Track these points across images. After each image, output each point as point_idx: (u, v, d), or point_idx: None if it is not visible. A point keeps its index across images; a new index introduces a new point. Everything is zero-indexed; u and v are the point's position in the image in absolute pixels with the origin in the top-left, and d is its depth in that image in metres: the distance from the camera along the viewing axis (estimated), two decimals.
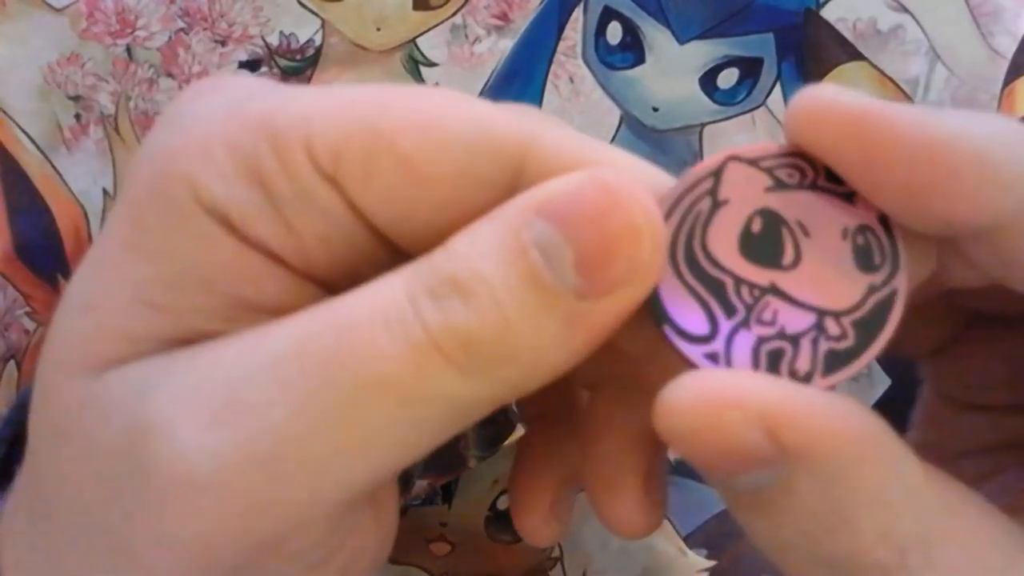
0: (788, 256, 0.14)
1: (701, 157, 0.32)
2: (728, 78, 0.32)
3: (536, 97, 0.31)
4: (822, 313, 0.14)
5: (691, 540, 0.34)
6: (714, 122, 0.32)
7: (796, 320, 0.14)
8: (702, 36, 0.31)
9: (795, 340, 0.14)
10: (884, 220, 0.14)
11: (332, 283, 0.15)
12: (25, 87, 0.30)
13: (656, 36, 0.31)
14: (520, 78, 0.31)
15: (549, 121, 0.16)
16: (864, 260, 0.14)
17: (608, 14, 0.31)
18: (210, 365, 0.14)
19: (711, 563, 0.34)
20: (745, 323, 0.14)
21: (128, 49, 0.30)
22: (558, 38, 0.31)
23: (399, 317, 0.13)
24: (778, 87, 0.32)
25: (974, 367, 0.19)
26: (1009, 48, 0.33)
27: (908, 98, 0.33)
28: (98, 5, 0.30)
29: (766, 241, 0.14)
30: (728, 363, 0.14)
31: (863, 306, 0.14)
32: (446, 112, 0.14)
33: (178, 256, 0.14)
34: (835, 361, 0.14)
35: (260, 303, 0.15)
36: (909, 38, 0.33)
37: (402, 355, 0.13)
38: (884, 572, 0.13)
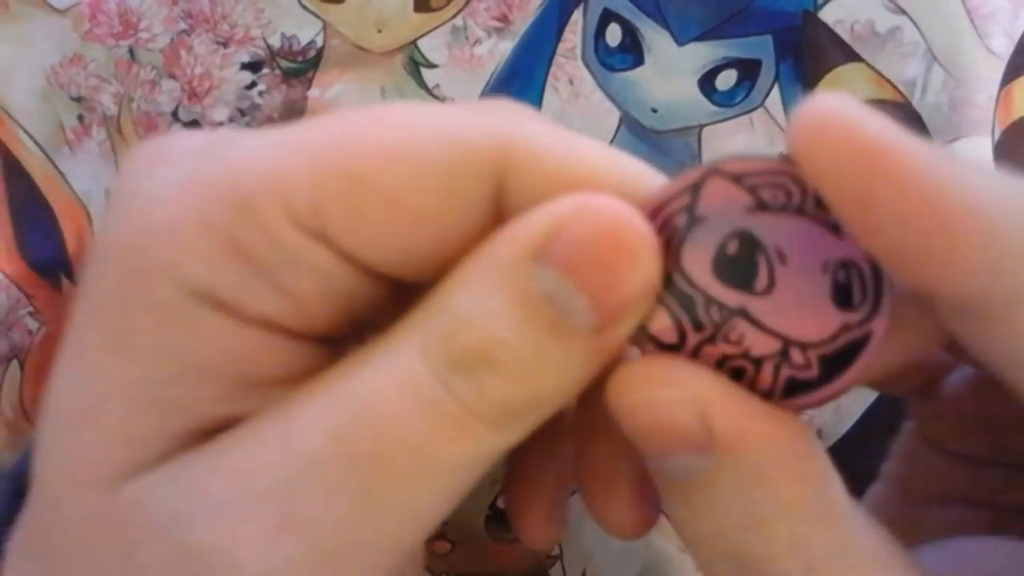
0: (761, 282, 0.13)
1: (700, 158, 0.33)
2: (727, 80, 0.32)
3: (536, 98, 0.32)
4: (788, 342, 0.13)
5: None
6: (713, 123, 0.32)
7: (761, 344, 0.13)
8: (701, 38, 0.31)
9: (758, 362, 0.14)
10: (871, 257, 0.13)
11: (335, 334, 0.15)
12: (28, 88, 0.30)
13: (655, 38, 0.31)
14: (520, 80, 0.31)
15: (522, 116, 0.15)
16: (843, 297, 0.13)
17: (607, 16, 0.31)
18: (244, 476, 0.13)
19: None
20: (711, 340, 0.14)
21: (130, 50, 0.30)
22: (558, 40, 0.31)
23: (431, 398, 0.13)
24: (776, 89, 0.32)
25: (952, 413, 0.19)
26: (1006, 49, 0.34)
27: (905, 99, 0.33)
28: (101, 7, 0.30)
29: (740, 264, 0.13)
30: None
31: (833, 343, 0.13)
32: (418, 137, 0.14)
33: (172, 350, 0.14)
34: (795, 388, 0.14)
35: (264, 377, 0.14)
36: (907, 40, 0.33)
37: (444, 434, 0.13)
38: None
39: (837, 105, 0.12)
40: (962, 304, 0.12)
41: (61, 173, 0.31)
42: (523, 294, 0.13)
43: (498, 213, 0.14)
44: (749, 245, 0.13)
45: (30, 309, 0.31)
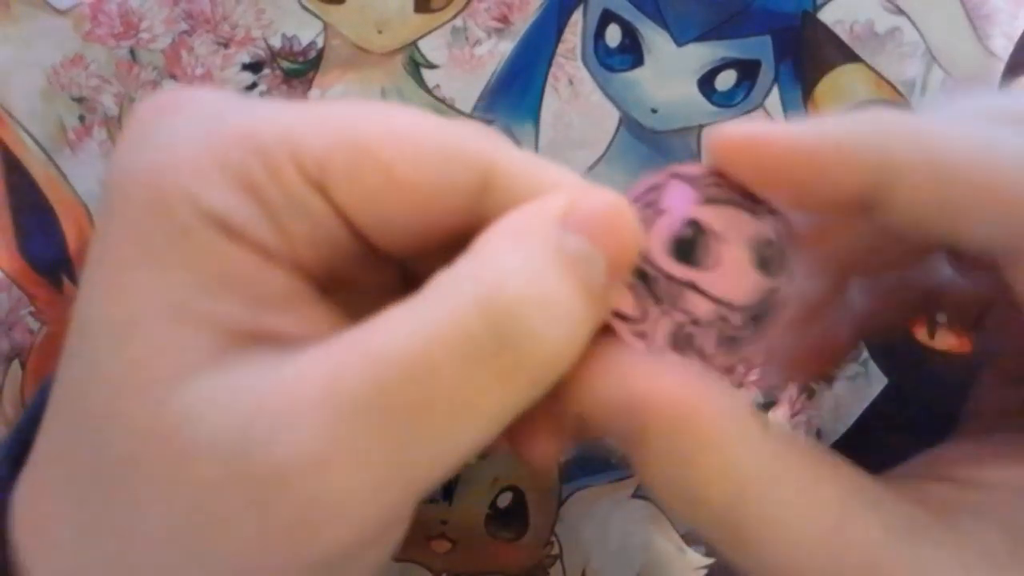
0: (707, 259, 0.16)
1: (699, 158, 0.33)
2: (726, 80, 0.32)
3: (536, 99, 0.32)
4: (727, 307, 0.17)
5: (689, 538, 0.34)
6: (712, 124, 0.32)
7: (706, 311, 0.16)
8: (700, 38, 0.31)
9: (703, 326, 0.17)
10: (786, 235, 0.17)
11: (314, 275, 0.17)
12: (29, 89, 0.30)
13: (655, 38, 0.31)
14: (520, 80, 0.31)
15: (503, 140, 0.17)
16: (764, 266, 0.17)
17: (607, 17, 0.31)
18: (297, 406, 0.14)
19: (709, 560, 0.34)
20: (668, 311, 0.16)
21: (131, 51, 0.30)
22: (557, 41, 0.31)
23: (485, 356, 0.14)
24: (776, 89, 0.32)
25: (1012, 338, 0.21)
26: (1005, 50, 0.34)
27: (905, 100, 0.33)
28: (102, 7, 0.30)
29: (691, 246, 0.16)
30: (651, 340, 0.16)
31: (760, 304, 0.17)
32: (419, 125, 0.16)
33: (195, 264, 0.15)
34: (732, 345, 0.17)
35: (273, 296, 0.16)
36: (906, 40, 0.33)
37: (490, 388, 0.14)
38: (727, 505, 0.15)
39: (729, 127, 0.16)
40: (848, 207, 0.16)
41: (62, 173, 0.31)
42: (562, 252, 0.15)
43: (480, 210, 0.16)
44: (699, 230, 0.17)
45: (31, 309, 0.31)
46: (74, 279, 0.31)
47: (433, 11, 0.31)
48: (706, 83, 0.32)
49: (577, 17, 0.31)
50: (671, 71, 0.32)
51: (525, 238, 0.15)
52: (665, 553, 0.34)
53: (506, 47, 0.31)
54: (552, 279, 0.15)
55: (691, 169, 0.17)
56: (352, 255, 0.17)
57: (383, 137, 0.16)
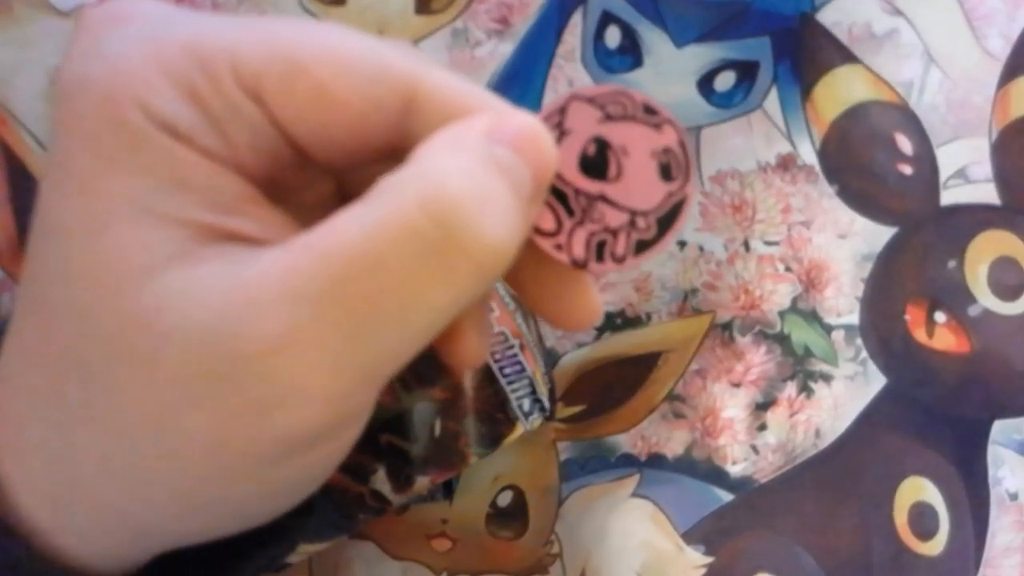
0: (613, 171, 0.18)
1: (698, 160, 0.33)
2: (725, 81, 0.32)
3: (536, 100, 0.32)
4: (634, 213, 0.18)
5: (689, 537, 0.34)
6: (711, 124, 0.32)
7: (616, 218, 0.18)
8: (699, 40, 0.31)
9: (615, 233, 0.18)
10: (682, 144, 0.18)
11: (257, 182, 0.18)
12: (31, 90, 0.30)
13: (654, 40, 0.31)
14: (520, 81, 0.32)
15: (430, 60, 0.18)
16: (666, 173, 0.18)
17: (607, 18, 0.31)
18: (259, 297, 0.15)
19: (708, 560, 0.34)
20: (581, 222, 0.18)
21: None
22: (557, 42, 0.31)
23: (430, 242, 0.15)
24: (774, 90, 0.33)
25: None
26: (1003, 51, 0.34)
27: (903, 100, 0.33)
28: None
29: (597, 161, 0.18)
30: (569, 251, 0.18)
31: (662, 207, 0.18)
32: (351, 46, 0.17)
33: (153, 166, 0.16)
34: (641, 246, 0.18)
35: (230, 196, 0.17)
36: (904, 41, 0.33)
37: (436, 276, 0.16)
38: None
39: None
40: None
41: None
42: (492, 161, 0.16)
43: (405, 127, 0.17)
44: (602, 146, 0.18)
45: None
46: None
47: (434, 13, 0.31)
48: (705, 84, 0.32)
49: (577, 19, 0.31)
50: (670, 72, 0.32)
51: (460, 147, 0.16)
52: (664, 552, 0.34)
53: (506, 49, 0.31)
54: (488, 179, 0.16)
55: (590, 91, 0.18)
56: (291, 165, 0.18)
57: (317, 54, 0.17)
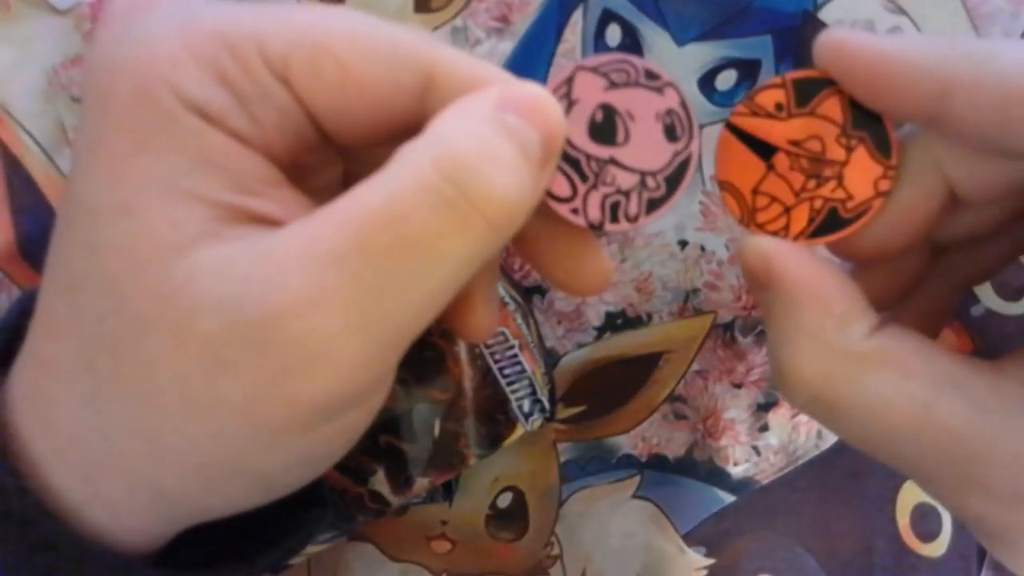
0: (621, 136, 0.19)
1: (700, 159, 0.32)
2: (726, 80, 0.32)
3: None
4: (643, 174, 0.19)
5: (690, 538, 0.34)
6: (712, 123, 0.32)
7: (627, 180, 0.19)
8: (700, 38, 0.31)
9: (627, 194, 0.19)
10: (684, 105, 0.19)
11: (282, 164, 0.18)
12: (29, 89, 0.30)
13: (655, 38, 0.31)
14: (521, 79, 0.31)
15: (444, 42, 0.19)
16: (671, 134, 0.19)
17: (607, 16, 0.31)
18: (280, 262, 0.16)
19: (709, 561, 0.34)
20: (594, 186, 0.19)
21: None
22: (557, 40, 0.31)
23: (443, 197, 0.16)
24: None
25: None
26: None
27: None
28: (102, 7, 0.30)
29: (606, 127, 0.19)
30: (585, 214, 0.19)
31: (670, 166, 0.19)
32: (372, 29, 0.18)
33: (183, 148, 0.17)
34: (652, 205, 0.20)
35: (254, 177, 0.18)
36: None
37: (451, 229, 0.16)
38: (810, 390, 0.18)
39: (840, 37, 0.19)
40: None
41: (61, 173, 0.31)
42: (502, 123, 0.17)
43: (423, 105, 0.18)
44: (609, 113, 0.19)
45: None
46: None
47: (433, 11, 0.31)
48: (706, 83, 0.32)
49: (577, 17, 0.31)
50: (671, 70, 0.31)
51: (470, 113, 0.17)
52: (666, 554, 0.34)
53: (506, 47, 0.31)
54: (496, 140, 0.17)
55: (594, 60, 0.19)
56: (313, 146, 0.19)
57: (340, 36, 0.18)
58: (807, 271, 0.18)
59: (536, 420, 0.29)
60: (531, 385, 0.29)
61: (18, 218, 0.31)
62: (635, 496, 0.34)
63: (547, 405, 0.29)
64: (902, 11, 0.33)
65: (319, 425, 0.17)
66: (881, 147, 0.20)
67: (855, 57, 0.18)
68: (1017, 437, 0.17)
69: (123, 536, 0.19)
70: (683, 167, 0.19)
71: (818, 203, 0.20)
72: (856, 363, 0.18)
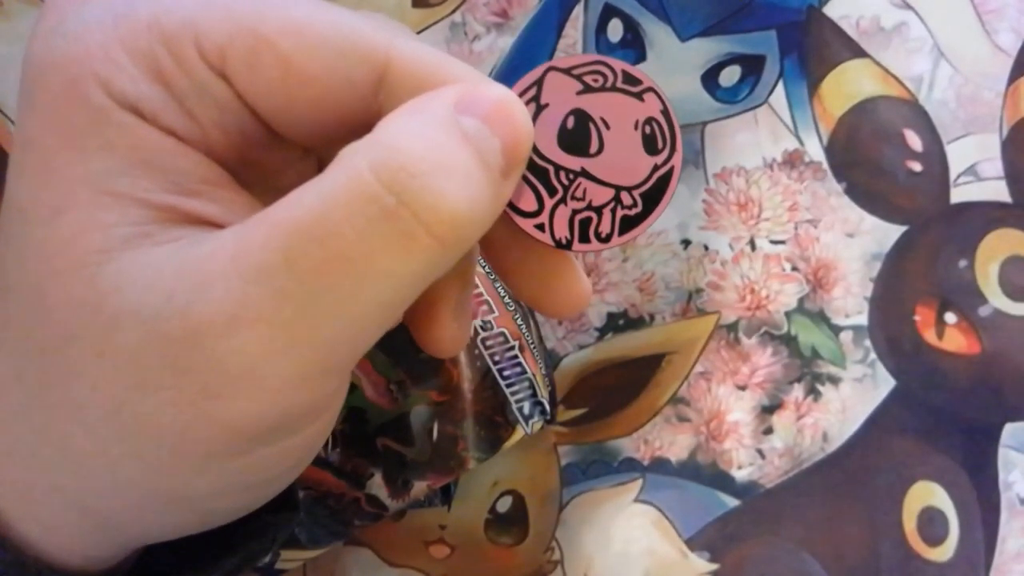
0: (594, 145, 0.17)
1: (703, 156, 0.32)
2: (730, 76, 0.31)
3: None
4: (619, 189, 0.18)
5: (693, 543, 0.33)
6: (716, 120, 0.32)
7: (600, 195, 0.18)
8: (704, 33, 0.31)
9: (599, 211, 0.18)
10: (666, 113, 0.18)
11: (228, 163, 0.17)
12: None
13: (657, 33, 0.31)
14: (520, 76, 0.31)
15: (402, 31, 0.18)
16: (650, 145, 0.18)
17: (609, 11, 0.31)
18: (206, 274, 0.15)
19: (713, 566, 0.33)
20: (563, 200, 0.18)
21: None
22: (558, 36, 0.31)
23: (382, 209, 0.15)
24: (781, 85, 0.32)
25: None
26: (1014, 45, 0.33)
27: (912, 95, 0.33)
28: None
29: (577, 135, 0.17)
30: (551, 231, 0.18)
31: (649, 181, 0.18)
32: (319, 19, 0.16)
33: (114, 147, 0.16)
34: (627, 224, 0.18)
35: (192, 177, 0.17)
36: (913, 35, 0.32)
37: (391, 245, 0.15)
38: None
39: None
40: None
41: None
42: (456, 129, 0.16)
43: (377, 101, 0.17)
44: (583, 118, 0.17)
45: None
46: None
47: (431, 6, 0.30)
48: (710, 79, 0.31)
49: (578, 11, 0.31)
50: (674, 66, 0.31)
51: (422, 114, 0.16)
52: (669, 559, 0.33)
53: (505, 42, 0.31)
54: (449, 145, 0.15)
55: (567, 61, 0.18)
56: (263, 144, 0.17)
57: (282, 28, 0.16)
58: None
59: (536, 423, 0.29)
60: (531, 387, 0.29)
61: None
62: (637, 500, 0.33)
63: (547, 407, 0.29)
64: (908, 6, 0.32)
65: (252, 449, 0.16)
66: None
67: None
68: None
69: (62, 555, 0.18)
70: (663, 182, 0.18)
71: None
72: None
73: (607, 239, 0.18)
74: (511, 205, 0.17)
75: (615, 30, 0.31)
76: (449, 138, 0.15)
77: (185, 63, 0.16)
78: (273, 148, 0.18)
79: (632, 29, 0.31)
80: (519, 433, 0.29)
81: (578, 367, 0.33)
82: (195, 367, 0.15)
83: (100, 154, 0.16)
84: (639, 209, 0.18)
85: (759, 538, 0.33)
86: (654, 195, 0.18)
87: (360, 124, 0.17)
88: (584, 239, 0.18)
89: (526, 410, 0.29)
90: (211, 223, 0.16)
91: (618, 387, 0.33)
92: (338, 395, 0.17)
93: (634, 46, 0.31)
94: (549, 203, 0.18)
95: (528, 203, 0.17)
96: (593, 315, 0.33)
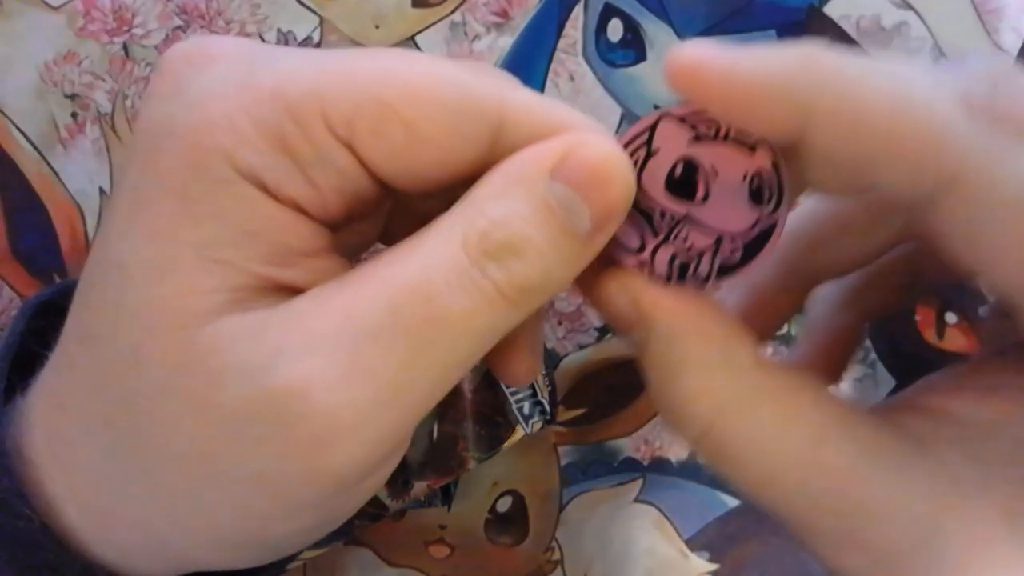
0: (700, 193, 0.18)
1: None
2: None
3: None
4: (720, 236, 0.18)
5: (693, 543, 0.33)
6: None
7: (701, 241, 0.18)
8: (704, 33, 0.31)
9: (700, 255, 0.18)
10: (776, 166, 0.18)
11: (337, 222, 0.18)
12: (22, 86, 0.30)
13: (657, 33, 0.31)
14: (520, 76, 0.30)
15: (510, 81, 0.19)
16: (757, 196, 0.18)
17: (609, 11, 0.31)
18: (315, 334, 0.16)
19: (713, 567, 0.33)
20: (665, 241, 0.18)
21: (125, 47, 0.30)
22: (558, 36, 0.31)
23: (473, 282, 0.16)
24: None
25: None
26: (1014, 45, 0.33)
27: None
28: (95, 3, 0.30)
29: (685, 181, 0.18)
30: (651, 269, 0.18)
31: (751, 232, 0.18)
32: (436, 79, 0.17)
33: (228, 217, 0.17)
34: (725, 271, 0.18)
35: (294, 248, 0.17)
36: (913, 35, 0.32)
37: (479, 309, 0.16)
38: (704, 424, 0.17)
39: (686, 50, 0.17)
40: (787, 140, 0.17)
41: (55, 171, 0.30)
42: (544, 202, 0.17)
43: (492, 153, 0.17)
44: (691, 167, 0.18)
45: None
46: (66, 279, 0.31)
47: (431, 6, 0.30)
48: None
49: (578, 11, 0.31)
50: None
51: (513, 184, 0.17)
52: (668, 559, 0.33)
53: (505, 42, 0.31)
54: (533, 220, 0.17)
55: (681, 109, 0.18)
56: (369, 197, 0.18)
57: (405, 94, 0.17)
58: (678, 302, 0.18)
59: (536, 423, 0.29)
60: (531, 387, 0.29)
61: (11, 217, 0.30)
62: (637, 500, 0.33)
63: (547, 407, 0.29)
64: (908, 6, 0.32)
65: (338, 496, 0.17)
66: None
67: (708, 81, 0.17)
68: (895, 491, 0.16)
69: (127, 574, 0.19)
70: (766, 235, 0.18)
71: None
72: (747, 395, 0.17)
73: (704, 282, 0.18)
74: (615, 238, 0.18)
75: (615, 30, 0.31)
76: (535, 212, 0.17)
77: (312, 135, 0.17)
78: (381, 201, 0.18)
79: (632, 29, 0.31)
80: (519, 433, 0.29)
81: (578, 367, 0.33)
82: (305, 420, 0.16)
83: (212, 222, 0.17)
84: (738, 257, 0.18)
85: (759, 538, 0.33)
86: (756, 246, 0.18)
87: (476, 173, 0.18)
88: (682, 280, 0.18)
89: (526, 410, 0.29)
90: (300, 290, 0.17)
91: (618, 387, 0.33)
92: (409, 438, 0.18)
93: (634, 46, 0.31)
94: (651, 243, 0.18)
95: (631, 240, 0.18)
96: (593, 315, 0.33)
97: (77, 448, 0.18)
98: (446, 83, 0.17)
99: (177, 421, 0.16)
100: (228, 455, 0.16)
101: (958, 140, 0.16)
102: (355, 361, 0.16)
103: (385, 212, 0.21)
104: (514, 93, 0.18)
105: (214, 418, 0.16)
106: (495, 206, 0.17)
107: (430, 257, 0.16)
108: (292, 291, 0.17)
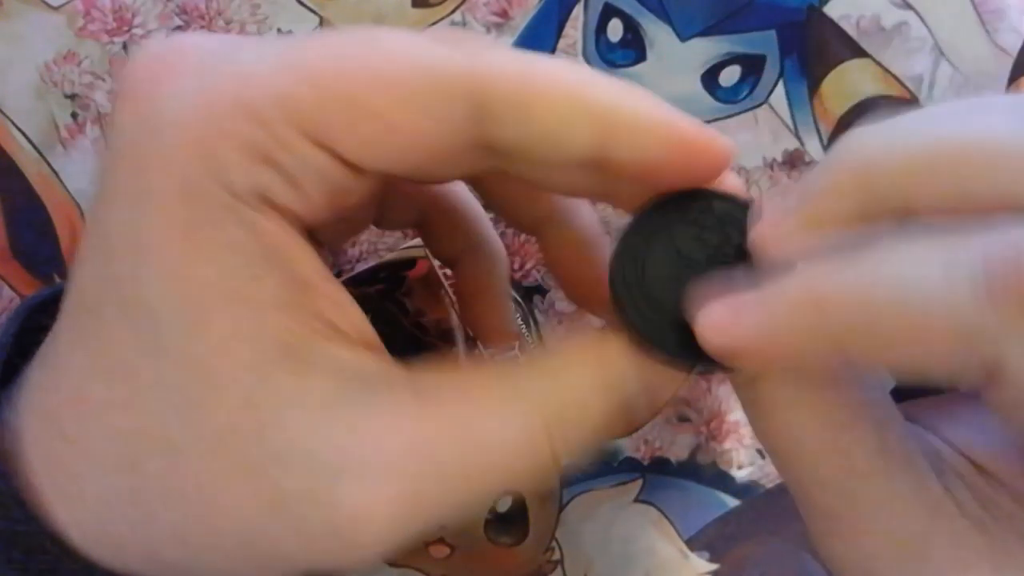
0: None
1: None
2: (730, 75, 0.31)
3: None
4: None
5: (693, 543, 0.33)
6: (716, 120, 0.32)
7: None
8: (704, 33, 0.31)
9: None
10: None
11: (329, 221, 0.18)
12: (22, 86, 0.30)
13: (657, 33, 0.31)
14: None
15: (487, 45, 0.18)
16: None
17: (609, 11, 0.31)
18: (384, 459, 0.17)
19: (713, 566, 0.33)
20: None
21: (125, 47, 0.30)
22: (558, 36, 0.31)
23: (536, 449, 0.18)
24: (781, 85, 0.32)
25: None
26: (1014, 45, 0.33)
27: (912, 95, 0.33)
28: (95, 3, 0.30)
29: None
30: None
31: None
32: (399, 62, 0.17)
33: (236, 245, 0.16)
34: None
35: (300, 262, 0.17)
36: (913, 35, 0.32)
37: (533, 468, 0.18)
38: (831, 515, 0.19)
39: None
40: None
41: (55, 171, 0.30)
42: (616, 396, 0.18)
43: (478, 124, 0.17)
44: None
45: None
46: (66, 279, 0.31)
47: (431, 5, 0.30)
48: (710, 79, 0.31)
49: (578, 11, 0.31)
50: (674, 66, 0.31)
51: (578, 369, 0.18)
52: (668, 558, 0.33)
53: (505, 42, 0.31)
54: (592, 402, 0.18)
55: None
56: (352, 189, 0.18)
57: (370, 84, 0.16)
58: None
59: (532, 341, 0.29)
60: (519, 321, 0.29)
61: (10, 217, 0.30)
62: (637, 500, 0.33)
63: (533, 324, 0.29)
64: (908, 6, 0.32)
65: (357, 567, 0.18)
66: None
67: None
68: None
69: None
70: None
71: None
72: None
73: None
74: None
75: (615, 30, 0.31)
76: (593, 394, 0.18)
77: (284, 141, 0.16)
78: (371, 190, 0.18)
79: (632, 29, 0.31)
80: None
81: None
82: (356, 536, 0.17)
83: (222, 255, 0.16)
84: None
85: (759, 538, 0.33)
86: None
87: (467, 146, 0.17)
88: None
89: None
90: (332, 325, 0.17)
91: None
92: None
93: (634, 46, 0.31)
94: None
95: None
96: (593, 315, 0.32)
97: (86, 482, 0.17)
98: (411, 64, 0.16)
99: (217, 481, 0.16)
100: (267, 532, 0.17)
101: (988, 339, 0.15)
102: (397, 499, 0.17)
103: (378, 197, 0.20)
104: (488, 57, 0.17)
105: (262, 497, 0.16)
106: (573, 394, 0.18)
107: (500, 425, 0.18)
108: (329, 326, 0.17)
